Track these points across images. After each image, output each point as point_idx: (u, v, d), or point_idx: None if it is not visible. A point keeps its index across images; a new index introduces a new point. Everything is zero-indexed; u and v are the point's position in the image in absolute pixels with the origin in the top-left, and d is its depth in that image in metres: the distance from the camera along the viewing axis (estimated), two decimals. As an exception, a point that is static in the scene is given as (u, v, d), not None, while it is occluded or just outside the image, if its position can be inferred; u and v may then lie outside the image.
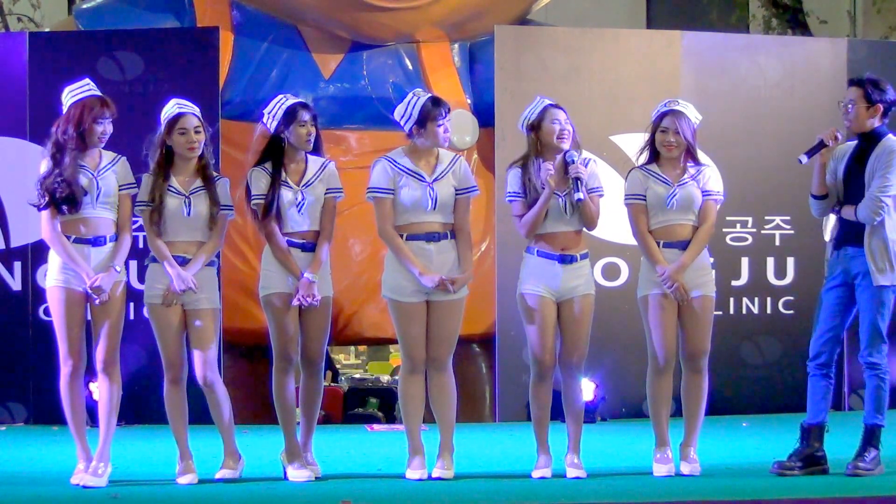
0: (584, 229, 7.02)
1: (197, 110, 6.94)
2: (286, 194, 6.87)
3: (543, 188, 6.85)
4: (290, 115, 6.89)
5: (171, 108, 6.91)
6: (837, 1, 18.82)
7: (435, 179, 6.91)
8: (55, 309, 6.80)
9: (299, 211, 6.89)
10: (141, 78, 9.99)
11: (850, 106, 6.95)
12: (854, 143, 7.05)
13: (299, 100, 7.03)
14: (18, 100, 9.97)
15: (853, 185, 6.96)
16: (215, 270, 6.98)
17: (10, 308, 9.99)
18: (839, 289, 7.01)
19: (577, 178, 6.82)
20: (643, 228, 7.04)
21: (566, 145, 6.92)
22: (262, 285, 6.93)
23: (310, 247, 6.91)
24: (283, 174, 6.89)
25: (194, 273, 6.79)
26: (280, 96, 7.04)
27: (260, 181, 6.90)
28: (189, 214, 6.82)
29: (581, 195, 6.81)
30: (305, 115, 6.91)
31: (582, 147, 7.08)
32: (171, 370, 6.86)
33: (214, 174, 6.96)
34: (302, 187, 6.90)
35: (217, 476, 6.83)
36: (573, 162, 6.86)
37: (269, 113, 6.95)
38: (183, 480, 6.80)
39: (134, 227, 6.98)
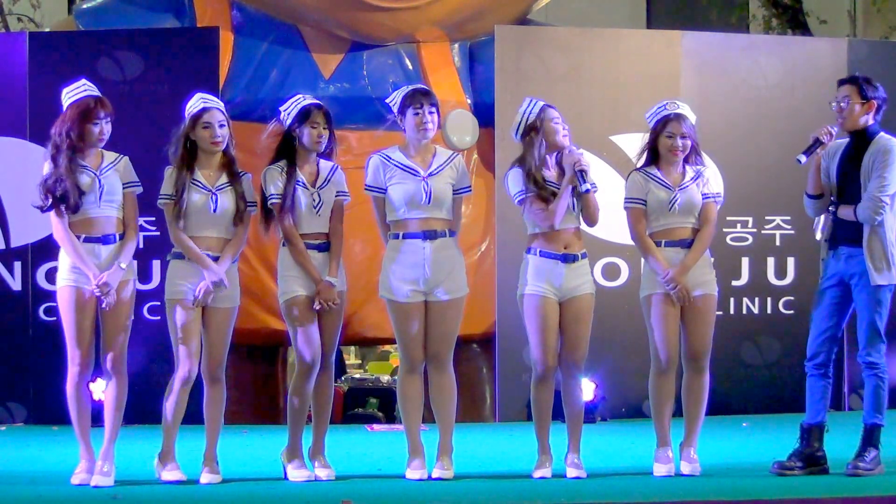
0: (586, 226, 7.02)
1: (221, 105, 6.95)
2: (303, 195, 6.88)
3: (550, 184, 6.87)
4: (303, 115, 6.90)
5: (196, 102, 6.90)
6: (837, 1, 18.82)
7: (430, 174, 6.92)
8: (65, 309, 6.80)
9: (317, 212, 6.90)
10: (141, 78, 9.99)
11: (844, 103, 6.95)
12: (845, 141, 7.05)
13: (316, 101, 7.03)
14: (18, 100, 9.97)
15: (847, 184, 6.97)
16: (236, 268, 6.98)
17: (10, 308, 9.98)
18: (835, 288, 7.01)
19: (582, 171, 6.83)
20: (642, 232, 7.04)
21: (567, 142, 6.93)
22: (283, 290, 6.91)
23: (325, 247, 6.93)
24: (299, 174, 6.90)
25: (224, 269, 6.80)
26: (298, 95, 7.06)
27: (276, 180, 6.90)
28: (215, 211, 6.83)
29: (588, 186, 6.83)
30: (318, 117, 6.92)
31: (580, 147, 7.08)
32: (185, 368, 6.83)
33: (239, 170, 6.96)
34: (317, 189, 6.91)
35: (203, 481, 6.80)
36: (576, 157, 6.87)
37: (285, 110, 6.96)
38: (168, 476, 6.78)
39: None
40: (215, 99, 6.98)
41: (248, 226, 6.97)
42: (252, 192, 6.97)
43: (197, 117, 6.86)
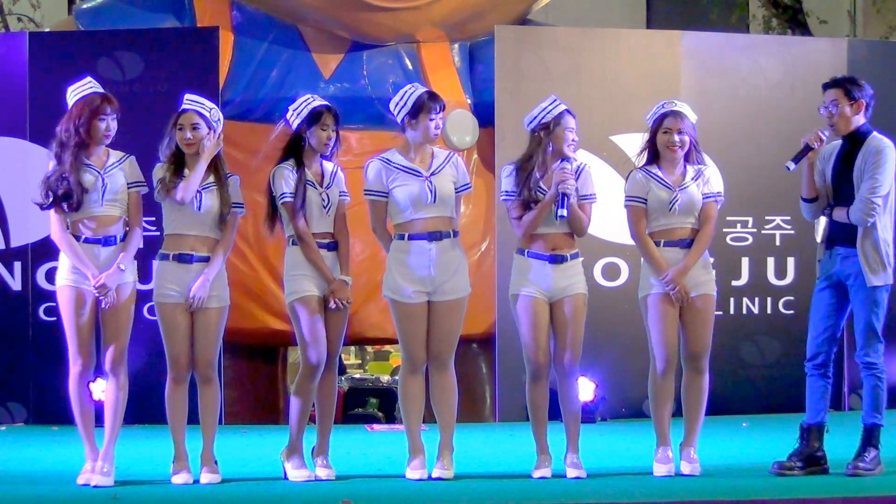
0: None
1: (205, 107, 6.90)
2: (313, 195, 6.88)
3: (540, 190, 6.86)
4: (314, 117, 6.90)
5: (182, 103, 6.92)
6: (837, 1, 18.82)
7: (432, 173, 6.92)
8: (65, 309, 6.80)
9: (327, 212, 6.91)
10: (141, 78, 9.99)
11: (833, 107, 6.95)
12: (839, 142, 7.04)
13: (325, 103, 7.02)
14: (18, 100, 9.97)
15: (842, 185, 6.96)
16: (224, 268, 6.98)
17: (10, 308, 9.98)
18: (832, 289, 7.01)
19: (564, 195, 6.82)
20: (642, 231, 7.04)
21: (572, 153, 6.92)
22: (291, 290, 6.90)
23: (333, 246, 6.95)
24: (308, 174, 6.90)
25: (215, 273, 6.82)
26: (308, 96, 7.05)
27: (288, 179, 6.89)
28: (199, 209, 6.83)
29: (564, 212, 6.80)
30: (328, 119, 6.92)
31: (580, 147, 7.07)
32: (176, 369, 6.85)
33: (227, 172, 6.96)
34: (325, 188, 6.92)
35: (203, 482, 6.81)
36: (565, 176, 6.85)
37: (294, 110, 6.96)
38: (177, 480, 6.80)
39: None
40: (201, 101, 6.93)
41: (234, 227, 6.97)
42: (238, 193, 6.97)
43: (175, 118, 6.88)
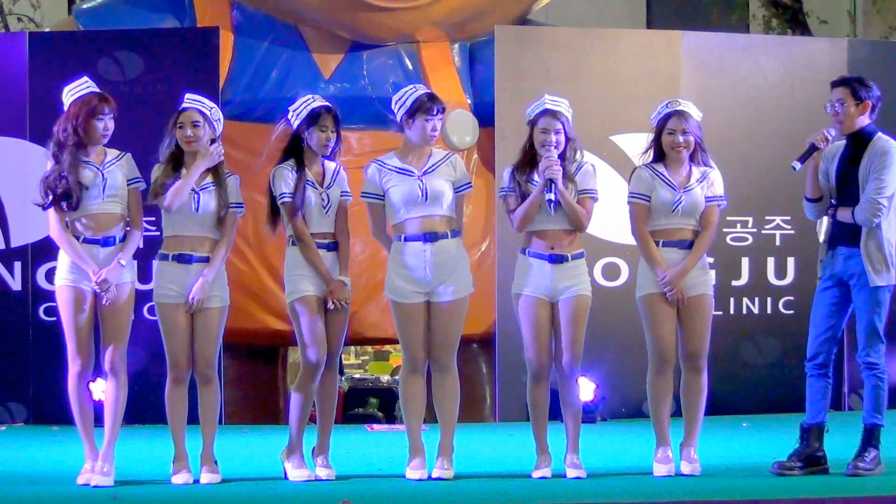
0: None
1: (205, 105, 6.90)
2: (313, 195, 6.89)
3: (532, 183, 6.86)
4: (312, 118, 6.91)
5: (183, 102, 6.92)
6: (837, 1, 18.83)
7: (424, 172, 6.92)
8: (64, 308, 6.81)
9: (326, 212, 6.91)
10: (141, 78, 9.98)
11: (838, 106, 6.94)
12: (843, 143, 7.04)
13: (325, 103, 7.02)
14: (18, 100, 9.96)
15: (846, 185, 6.96)
16: (224, 268, 6.98)
17: (10, 308, 9.98)
18: (834, 289, 7.00)
19: (550, 180, 6.81)
20: (643, 229, 7.03)
21: (550, 153, 6.88)
22: (291, 290, 6.90)
23: (333, 246, 6.95)
24: (308, 174, 6.90)
25: (214, 274, 6.82)
26: (308, 96, 7.05)
27: (287, 179, 6.90)
28: (197, 210, 6.83)
29: (552, 196, 6.80)
30: (328, 120, 6.92)
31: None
32: (176, 369, 6.86)
33: (226, 171, 6.96)
34: (325, 189, 6.92)
35: (203, 482, 6.81)
36: (550, 163, 6.84)
37: (294, 111, 6.96)
38: (178, 480, 6.80)
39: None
40: (201, 100, 6.93)
41: (233, 227, 6.97)
42: (238, 193, 6.97)
43: (175, 117, 6.89)
